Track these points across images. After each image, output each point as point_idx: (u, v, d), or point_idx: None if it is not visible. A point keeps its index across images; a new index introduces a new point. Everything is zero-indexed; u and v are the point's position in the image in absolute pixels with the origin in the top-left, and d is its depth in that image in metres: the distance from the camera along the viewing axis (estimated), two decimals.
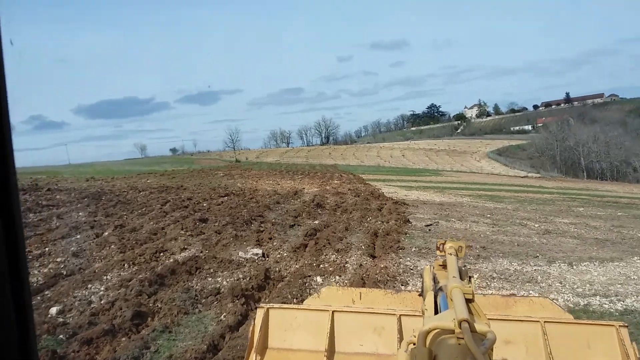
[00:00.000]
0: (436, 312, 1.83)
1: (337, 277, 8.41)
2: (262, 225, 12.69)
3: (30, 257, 9.21)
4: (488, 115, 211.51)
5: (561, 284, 8.36)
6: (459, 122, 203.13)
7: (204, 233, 11.45)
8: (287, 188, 24.70)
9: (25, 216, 13.33)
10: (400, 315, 3.03)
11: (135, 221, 12.90)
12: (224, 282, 8.02)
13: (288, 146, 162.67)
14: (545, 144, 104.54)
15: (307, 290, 7.56)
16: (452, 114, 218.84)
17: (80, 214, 13.73)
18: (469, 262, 9.64)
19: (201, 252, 9.82)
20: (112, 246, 10.09)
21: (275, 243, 10.67)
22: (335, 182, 33.10)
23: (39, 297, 7.13)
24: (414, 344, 1.51)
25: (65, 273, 8.29)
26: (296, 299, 7.14)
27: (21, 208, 0.79)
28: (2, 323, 0.71)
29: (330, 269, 8.88)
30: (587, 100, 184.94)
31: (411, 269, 9.02)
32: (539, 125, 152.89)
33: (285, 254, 9.82)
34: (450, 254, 2.33)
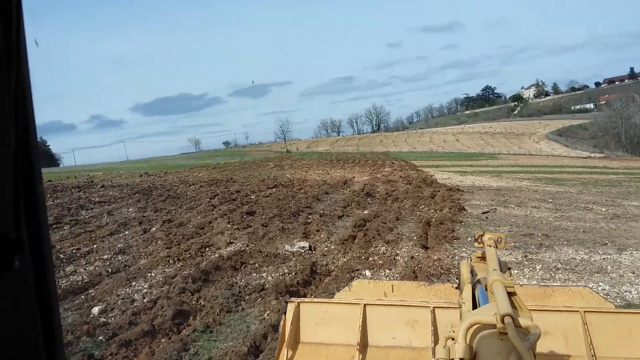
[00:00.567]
0: (474, 306, 1.82)
1: (387, 271, 7.97)
2: (309, 216, 12.36)
3: (78, 255, 9.25)
4: (546, 94, 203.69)
5: (634, 274, 7.58)
6: (516, 103, 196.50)
7: (250, 226, 11.23)
8: (337, 177, 24.30)
9: (77, 213, 13.57)
10: (434, 307, 2.95)
11: (183, 215, 12.87)
12: (269, 278, 7.73)
13: (339, 135, 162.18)
14: (608, 122, 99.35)
15: None
16: (508, 95, 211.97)
17: (130, 209, 13.84)
18: (530, 251, 8.96)
19: (247, 246, 9.59)
20: (159, 242, 10.01)
21: (322, 235, 10.31)
22: (387, 169, 32.44)
23: (82, 296, 7.07)
24: (453, 339, 1.46)
25: (110, 271, 8.24)
26: None
27: (47, 209, 0.77)
28: (27, 325, 0.70)
29: (380, 261, 8.43)
30: None
31: None
32: (602, 103, 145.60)
33: (332, 247, 9.44)
34: (490, 246, 2.27)
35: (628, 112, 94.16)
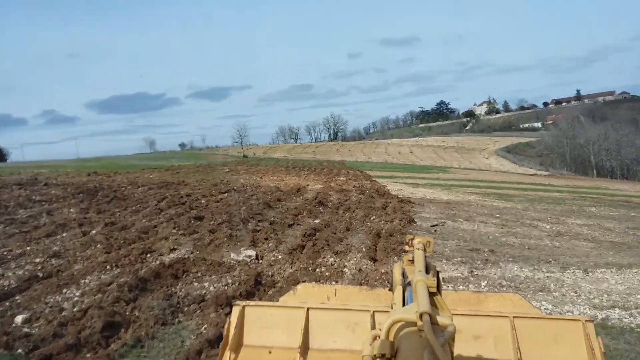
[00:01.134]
0: (404, 306, 1.85)
1: (334, 283, 7.80)
2: (259, 224, 12.09)
3: (9, 257, 8.67)
4: (497, 112, 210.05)
5: (576, 293, 7.70)
6: (468, 119, 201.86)
7: (197, 232, 10.88)
8: (291, 185, 24.09)
9: (14, 212, 12.84)
10: (374, 311, 3.02)
11: (127, 218, 12.35)
12: (211, 288, 7.43)
13: (296, 142, 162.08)
14: (555, 141, 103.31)
15: None
16: (461, 110, 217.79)
17: (71, 210, 13.19)
18: (476, 267, 9.01)
19: (191, 253, 9.25)
20: (98, 245, 9.52)
21: (270, 244, 10.06)
22: (342, 178, 32.48)
23: (7, 303, 6.57)
24: (379, 337, 1.52)
25: (41, 275, 7.73)
26: None
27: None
28: None
29: (327, 273, 8.27)
30: (598, 98, 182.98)
31: None
32: (549, 122, 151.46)
33: (280, 256, 9.21)
34: (418, 249, 2.36)
35: (573, 133, 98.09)
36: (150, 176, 27.25)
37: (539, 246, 11.20)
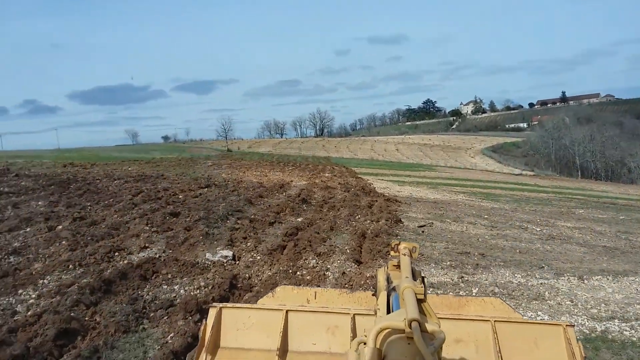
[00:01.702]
0: (388, 312, 1.84)
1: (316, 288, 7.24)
2: (238, 221, 11.48)
3: None
4: (483, 112, 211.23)
5: (572, 302, 7.24)
6: (454, 118, 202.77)
7: (171, 229, 10.25)
8: (274, 180, 23.46)
9: None
10: (355, 314, 3.02)
11: (98, 213, 11.66)
12: (181, 291, 6.84)
13: (282, 137, 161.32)
14: (540, 142, 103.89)
15: None
16: (447, 109, 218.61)
17: (39, 203, 12.45)
18: (466, 272, 8.51)
19: (163, 252, 8.63)
20: (63, 242, 8.84)
21: (249, 244, 9.46)
22: (327, 174, 31.92)
23: None
24: (365, 344, 1.50)
25: None
26: None
27: None
28: None
29: (308, 277, 7.72)
30: (583, 100, 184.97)
31: None
32: (534, 123, 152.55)
33: (258, 257, 8.62)
34: (404, 255, 2.34)
35: (559, 134, 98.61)
36: (129, 169, 26.41)
37: (531, 250, 10.76)
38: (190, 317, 5.77)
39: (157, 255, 8.38)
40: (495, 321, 2.95)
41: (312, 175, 29.63)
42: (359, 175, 33.95)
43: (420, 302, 1.66)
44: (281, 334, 2.94)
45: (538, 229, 13.58)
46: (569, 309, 6.96)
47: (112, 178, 19.43)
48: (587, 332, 6.18)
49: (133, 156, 50.45)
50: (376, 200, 17.11)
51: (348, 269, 8.18)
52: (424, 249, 10.13)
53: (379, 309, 1.98)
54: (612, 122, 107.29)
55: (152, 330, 5.61)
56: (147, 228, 10.12)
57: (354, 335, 2.92)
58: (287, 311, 3.02)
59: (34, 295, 6.42)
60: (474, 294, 7.40)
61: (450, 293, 7.37)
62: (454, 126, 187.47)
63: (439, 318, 1.71)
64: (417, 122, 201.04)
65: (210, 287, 6.91)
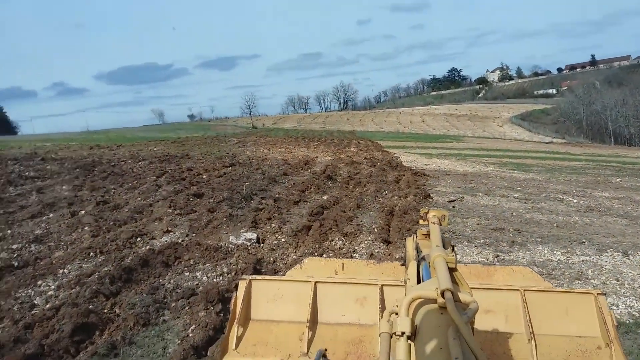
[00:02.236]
0: (419, 282, 1.84)
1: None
2: (262, 201, 11.20)
3: None
4: (510, 79, 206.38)
5: (618, 281, 6.76)
6: (481, 86, 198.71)
7: (195, 211, 10.02)
8: (299, 157, 23.13)
9: (3, 190, 12.05)
10: (382, 285, 3.00)
11: (121, 196, 11.52)
12: (204, 278, 6.59)
13: (306, 112, 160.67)
14: (570, 108, 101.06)
15: None
16: (473, 78, 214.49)
17: (63, 187, 12.38)
18: (502, 249, 8.07)
19: (186, 236, 8.41)
20: (85, 228, 8.71)
21: (274, 225, 9.17)
22: (352, 149, 31.46)
23: None
24: (396, 314, 1.49)
25: (16, 264, 6.93)
26: None
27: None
28: None
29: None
30: (614, 63, 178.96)
31: None
32: (564, 88, 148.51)
33: (283, 240, 8.32)
34: (434, 223, 2.37)
35: (589, 99, 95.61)
36: (154, 149, 26.39)
37: (569, 224, 10.22)
38: (212, 308, 5.50)
39: (180, 240, 8.17)
40: (525, 290, 2.91)
41: (337, 150, 29.21)
42: (385, 149, 33.40)
43: (451, 271, 1.63)
44: (310, 306, 2.95)
45: (575, 201, 12.98)
46: (615, 289, 6.49)
47: (137, 159, 19.37)
48: (637, 314, 5.71)
49: (159, 136, 50.75)
50: (403, 175, 16.64)
51: (376, 250, 7.82)
52: (455, 225, 9.69)
53: (409, 279, 1.96)
54: None
55: (173, 322, 5.37)
56: (170, 211, 9.91)
57: (383, 307, 2.94)
58: (315, 283, 3.04)
59: (53, 287, 6.25)
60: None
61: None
62: (480, 95, 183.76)
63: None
64: (443, 92, 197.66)
65: (233, 273, 6.64)
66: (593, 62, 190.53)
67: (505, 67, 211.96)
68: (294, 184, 14.03)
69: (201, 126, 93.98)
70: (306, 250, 7.72)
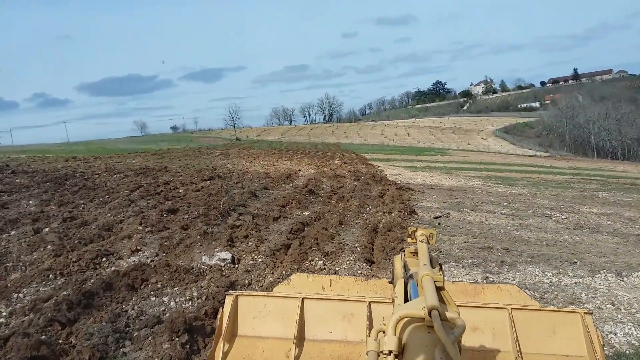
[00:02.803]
0: (406, 300, 1.86)
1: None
2: (240, 217, 10.69)
3: None
4: (494, 92, 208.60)
5: (614, 305, 6.36)
6: (465, 99, 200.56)
7: (167, 228, 9.48)
8: (281, 170, 22.66)
9: None
10: (370, 302, 2.99)
11: (91, 212, 10.93)
12: (171, 304, 6.06)
13: (290, 124, 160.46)
14: (554, 121, 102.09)
15: None
16: (458, 91, 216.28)
17: (30, 202, 11.75)
18: (490, 270, 7.66)
19: (156, 255, 7.87)
20: (48, 247, 8.12)
21: (250, 243, 8.66)
22: (336, 162, 31.09)
23: None
24: (384, 332, 1.50)
25: None
26: None
27: None
28: None
29: None
30: (596, 77, 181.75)
31: None
32: (547, 102, 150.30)
33: (260, 260, 7.82)
34: (422, 242, 2.31)
35: (572, 112, 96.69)
36: (133, 161, 25.75)
37: (559, 242, 9.87)
38: (177, 339, 4.98)
39: (150, 260, 7.63)
40: (512, 309, 2.88)
41: (320, 163, 28.79)
42: (370, 162, 33.10)
43: (439, 290, 1.64)
44: (297, 322, 2.90)
45: (563, 217, 12.66)
46: (611, 314, 6.10)
47: (112, 172, 18.73)
48: (637, 343, 5.31)
49: (140, 148, 50.00)
50: (388, 189, 16.25)
51: (359, 271, 7.37)
52: (442, 243, 9.28)
53: (396, 297, 1.96)
54: (626, 98, 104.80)
55: (134, 355, 4.84)
56: (141, 228, 9.35)
57: (370, 323, 2.89)
58: (303, 299, 2.99)
59: (5, 313, 5.67)
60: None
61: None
62: (464, 107, 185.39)
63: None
64: (428, 105, 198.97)
65: (204, 298, 6.13)
66: (576, 75, 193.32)
67: (489, 80, 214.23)
68: (274, 198, 13.55)
69: (184, 138, 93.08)
70: (284, 272, 7.23)
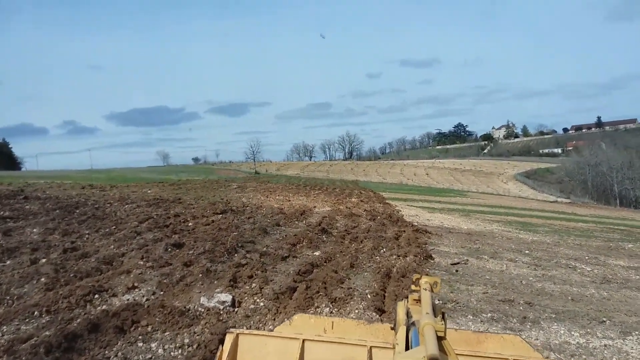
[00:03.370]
0: (407, 347, 1.89)
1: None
2: (247, 255, 10.21)
3: None
4: (516, 136, 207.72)
5: None
6: (486, 142, 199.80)
7: (169, 264, 9.03)
8: (296, 206, 22.20)
9: None
10: (371, 346, 2.97)
11: (94, 243, 10.55)
12: (159, 351, 5.55)
13: (310, 160, 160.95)
14: (576, 168, 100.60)
15: None
16: (479, 134, 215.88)
17: (34, 230, 11.44)
18: (512, 327, 7.02)
19: (153, 294, 7.40)
20: (41, 279, 7.72)
21: (254, 285, 8.14)
22: (353, 200, 30.56)
23: None
24: None
25: None
26: None
27: None
28: None
29: None
30: (620, 125, 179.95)
31: None
32: (569, 148, 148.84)
33: (262, 304, 7.30)
34: (425, 289, 2.31)
35: (595, 160, 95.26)
36: (148, 191, 25.55)
37: (585, 297, 9.16)
38: None
39: (145, 299, 7.17)
40: (514, 359, 2.85)
41: (337, 201, 28.26)
42: (387, 201, 32.50)
43: (440, 339, 1.65)
44: None
45: (588, 269, 11.91)
46: None
47: (124, 202, 18.46)
48: None
49: (159, 178, 50.17)
50: (404, 231, 15.66)
51: (369, 320, 6.78)
52: (459, 293, 8.67)
53: (397, 343, 2.01)
54: None
55: None
56: (142, 263, 8.91)
57: None
58: (303, 340, 2.99)
59: None
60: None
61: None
62: (485, 151, 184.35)
63: (457, 354, 1.68)
64: (448, 146, 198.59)
65: (195, 346, 5.61)
66: (599, 123, 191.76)
67: (511, 124, 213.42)
68: (285, 236, 13.05)
69: (204, 169, 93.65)
70: (286, 319, 6.68)
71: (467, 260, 11.75)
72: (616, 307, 8.62)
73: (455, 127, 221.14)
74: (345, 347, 3.01)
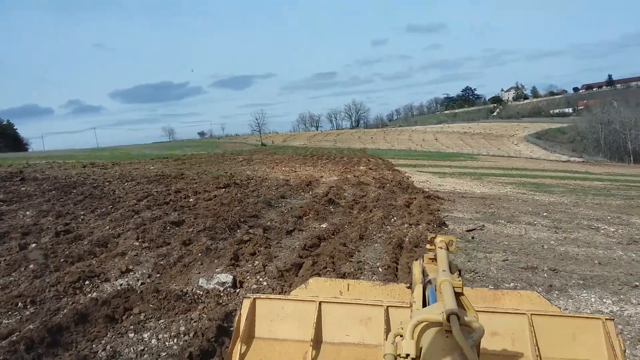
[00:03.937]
0: (424, 305, 1.87)
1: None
2: (250, 230, 9.66)
3: None
4: (526, 98, 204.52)
5: None
6: (495, 105, 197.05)
7: (167, 244, 8.50)
8: (303, 177, 21.59)
9: None
10: (388, 306, 2.99)
11: (89, 224, 10.05)
12: (152, 342, 5.03)
13: (317, 130, 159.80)
14: (588, 127, 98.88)
15: None
16: (488, 97, 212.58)
17: (27, 213, 10.95)
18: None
19: (148, 277, 6.88)
20: (30, 266, 7.22)
21: (257, 262, 7.60)
22: (361, 168, 29.91)
23: None
24: (401, 336, 1.50)
25: None
26: None
27: None
28: None
29: None
30: (631, 83, 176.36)
31: None
32: (580, 108, 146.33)
33: (265, 283, 6.76)
34: (441, 248, 2.31)
35: (608, 118, 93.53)
36: (151, 167, 25.04)
37: (612, 260, 8.54)
38: None
39: (140, 283, 6.66)
40: (532, 314, 2.85)
41: (345, 170, 27.63)
42: (396, 168, 31.82)
43: (458, 295, 1.63)
44: (314, 325, 2.91)
45: (612, 229, 11.27)
46: None
47: (125, 179, 17.94)
48: None
49: (164, 153, 49.70)
50: (415, 198, 15.04)
51: None
52: (477, 262, 8.09)
53: (414, 301, 2.01)
54: None
55: None
56: (137, 244, 8.39)
57: (387, 328, 2.90)
58: (320, 302, 3.00)
59: None
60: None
61: None
62: (494, 113, 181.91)
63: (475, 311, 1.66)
64: (456, 111, 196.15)
65: (191, 335, 5.08)
66: (610, 82, 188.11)
67: (520, 86, 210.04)
68: (290, 208, 12.48)
69: (210, 143, 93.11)
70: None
71: (483, 225, 11.14)
72: None
73: (463, 91, 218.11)
74: (362, 308, 3.00)
